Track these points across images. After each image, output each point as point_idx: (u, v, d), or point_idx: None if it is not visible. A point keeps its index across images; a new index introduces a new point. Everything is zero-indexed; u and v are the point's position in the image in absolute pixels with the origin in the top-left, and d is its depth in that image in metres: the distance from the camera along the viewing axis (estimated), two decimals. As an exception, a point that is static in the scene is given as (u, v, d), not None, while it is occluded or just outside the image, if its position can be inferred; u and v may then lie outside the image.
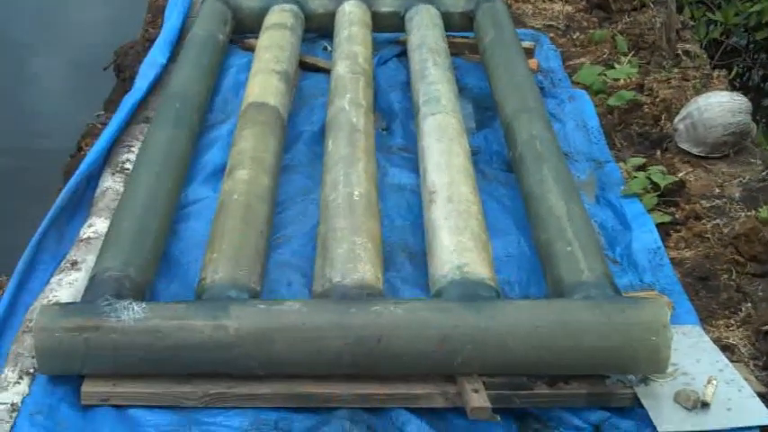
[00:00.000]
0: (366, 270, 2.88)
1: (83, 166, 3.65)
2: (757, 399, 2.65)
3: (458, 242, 3.00)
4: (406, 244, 3.37)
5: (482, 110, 4.42)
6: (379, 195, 3.45)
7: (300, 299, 2.93)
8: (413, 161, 3.83)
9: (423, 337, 2.62)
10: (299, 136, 4.06)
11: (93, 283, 2.85)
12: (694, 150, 4.09)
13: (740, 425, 2.57)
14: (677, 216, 3.67)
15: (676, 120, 4.18)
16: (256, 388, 2.67)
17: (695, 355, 2.83)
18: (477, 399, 2.56)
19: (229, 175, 3.40)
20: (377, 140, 3.83)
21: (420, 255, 3.25)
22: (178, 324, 2.64)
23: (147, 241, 3.06)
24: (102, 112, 4.55)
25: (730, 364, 2.79)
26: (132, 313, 2.65)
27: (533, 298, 3.10)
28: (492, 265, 2.98)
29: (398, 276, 3.20)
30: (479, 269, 2.88)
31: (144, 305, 2.69)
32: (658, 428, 2.55)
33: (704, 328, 3.02)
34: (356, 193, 3.24)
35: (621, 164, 3.99)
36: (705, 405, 2.61)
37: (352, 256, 2.92)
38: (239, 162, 3.44)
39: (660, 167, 3.88)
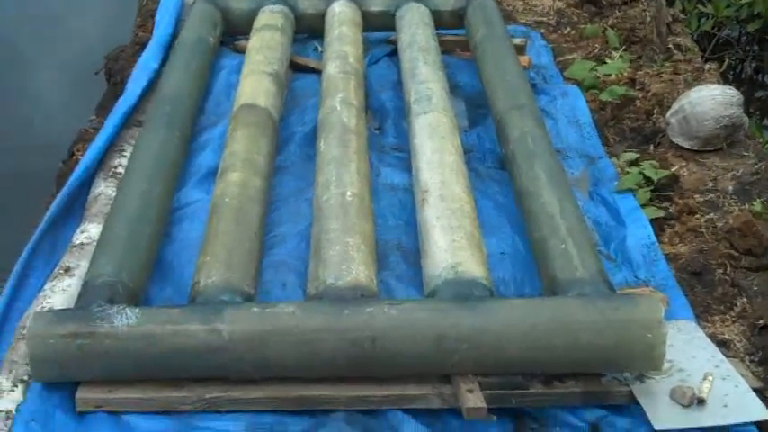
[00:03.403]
0: (360, 271, 2.87)
1: (77, 172, 3.64)
2: (754, 394, 2.63)
3: (451, 241, 2.99)
4: (399, 243, 3.37)
5: (474, 108, 4.42)
6: (373, 195, 3.44)
7: (294, 301, 2.92)
8: (405, 160, 3.83)
9: (417, 338, 2.61)
10: (291, 137, 4.05)
11: (87, 289, 2.84)
12: (687, 144, 4.09)
13: (737, 421, 2.56)
14: (671, 211, 3.66)
15: (668, 114, 4.17)
16: (251, 392, 2.66)
17: (691, 350, 2.82)
18: (473, 399, 2.55)
19: (221, 177, 3.39)
20: (369, 140, 3.82)
21: (414, 253, 3.25)
22: (172, 329, 2.63)
23: (140, 246, 3.05)
24: (94, 117, 4.54)
25: (726, 360, 2.78)
26: (126, 319, 2.64)
27: (527, 296, 3.09)
28: (486, 263, 2.97)
29: (393, 275, 3.19)
30: (473, 268, 2.88)
31: (137, 310, 2.68)
32: (654, 426, 2.55)
33: (699, 324, 3.01)
34: (349, 193, 3.23)
35: (614, 159, 3.99)
36: (701, 401, 2.60)
37: (346, 258, 2.91)
38: (231, 164, 3.43)
39: (653, 162, 3.87)
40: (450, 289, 2.80)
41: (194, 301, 2.84)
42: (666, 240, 3.51)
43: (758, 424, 2.59)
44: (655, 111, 4.37)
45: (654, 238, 3.44)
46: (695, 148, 4.07)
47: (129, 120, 4.08)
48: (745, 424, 2.58)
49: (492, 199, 3.63)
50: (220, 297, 2.80)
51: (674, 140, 4.13)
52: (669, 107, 4.24)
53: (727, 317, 3.12)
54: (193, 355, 2.62)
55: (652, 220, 3.55)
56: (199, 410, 2.65)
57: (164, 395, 2.66)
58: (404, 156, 3.90)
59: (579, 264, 2.88)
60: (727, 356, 2.82)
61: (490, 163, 3.97)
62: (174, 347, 2.61)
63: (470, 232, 3.05)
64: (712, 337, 2.95)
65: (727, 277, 3.28)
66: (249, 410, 2.66)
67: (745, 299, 3.17)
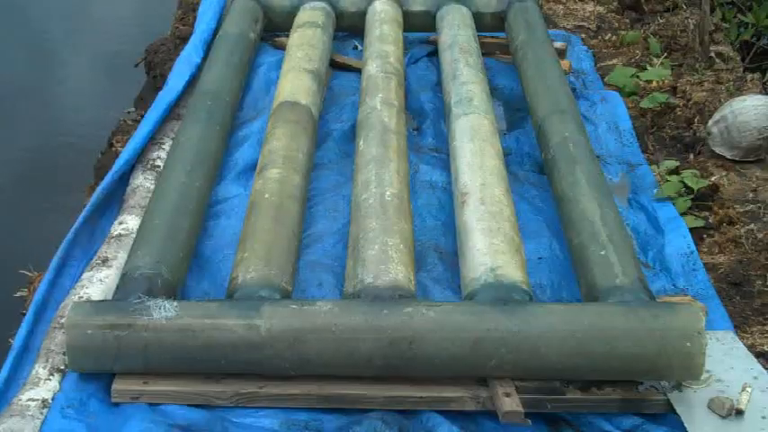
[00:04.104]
0: (398, 271, 2.86)
1: (117, 164, 3.65)
2: (793, 407, 2.61)
3: (490, 244, 2.97)
4: (437, 244, 3.36)
5: (513, 111, 4.41)
6: (411, 194, 3.43)
7: (333, 299, 2.92)
8: (444, 161, 3.82)
9: (455, 341, 2.60)
10: (329, 134, 4.05)
11: (125, 280, 2.85)
12: (728, 154, 4.05)
13: (776, 433, 2.54)
14: (710, 220, 3.64)
15: (710, 123, 4.14)
16: (287, 388, 2.66)
17: (729, 361, 2.80)
18: (510, 403, 2.54)
19: (261, 173, 3.39)
20: (408, 141, 3.81)
21: (451, 255, 3.24)
22: (210, 323, 2.63)
23: (179, 239, 3.06)
24: (133, 109, 4.56)
25: (765, 372, 2.75)
26: (164, 311, 2.65)
27: (566, 302, 3.07)
28: (525, 268, 2.96)
29: (429, 277, 3.19)
30: (512, 272, 2.86)
31: (176, 303, 2.69)
32: (693, 436, 2.53)
33: (738, 335, 2.98)
34: (388, 193, 3.22)
35: (654, 167, 3.96)
36: (739, 413, 2.57)
37: (384, 258, 2.91)
38: (271, 161, 3.43)
39: (693, 171, 3.84)
40: (489, 292, 2.79)
41: (232, 296, 2.84)
42: (706, 250, 3.48)
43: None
44: (695, 119, 4.34)
45: (693, 247, 3.41)
46: (736, 159, 4.04)
47: (170, 113, 4.09)
48: (784, 437, 2.55)
49: (530, 203, 3.61)
50: (258, 293, 2.80)
51: (714, 150, 4.10)
52: (710, 116, 4.21)
53: (767, 328, 3.08)
54: (231, 350, 2.62)
55: (691, 230, 3.51)
56: (234, 405, 2.66)
57: (199, 389, 2.67)
58: (442, 156, 3.90)
59: (620, 271, 2.85)
60: (766, 368, 2.79)
61: (528, 167, 3.95)
62: (212, 342, 2.62)
63: (510, 236, 3.04)
64: (751, 348, 2.92)
65: (766, 288, 3.25)
66: (284, 407, 2.66)
67: (784, 311, 3.14)
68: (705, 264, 3.36)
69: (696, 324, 2.60)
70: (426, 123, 4.23)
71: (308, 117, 3.79)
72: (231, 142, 3.96)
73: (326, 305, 2.69)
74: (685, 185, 3.73)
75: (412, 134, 4.11)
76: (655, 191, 3.75)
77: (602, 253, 2.94)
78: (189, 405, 2.65)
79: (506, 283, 2.81)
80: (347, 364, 2.63)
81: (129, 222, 3.41)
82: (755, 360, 2.82)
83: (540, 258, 3.29)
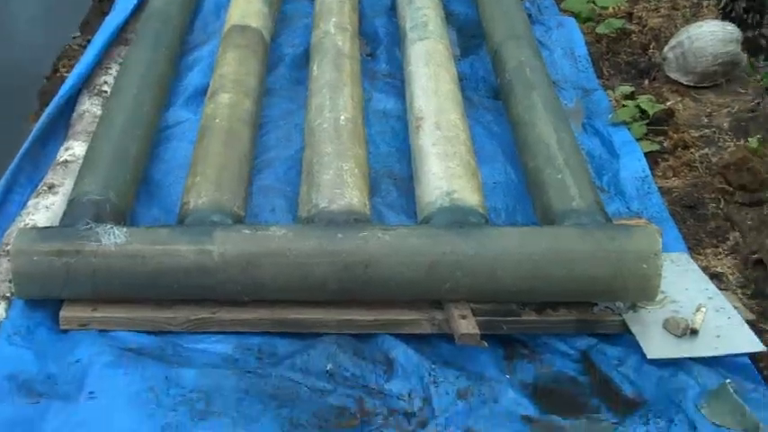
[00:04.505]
0: (353, 196, 2.82)
1: (63, 89, 3.57)
2: (747, 326, 2.61)
3: (446, 168, 2.94)
4: (391, 170, 3.31)
5: (468, 37, 4.33)
6: (364, 121, 3.37)
7: (286, 224, 2.87)
8: (398, 88, 3.77)
9: (411, 264, 2.57)
10: (281, 59, 3.98)
11: (72, 206, 2.78)
12: (683, 80, 4.04)
13: (729, 352, 2.54)
14: (665, 145, 3.63)
15: (666, 48, 4.12)
16: (240, 314, 2.63)
17: (684, 283, 2.80)
18: (466, 325, 2.52)
19: (211, 98, 3.32)
20: (362, 66, 3.74)
21: (406, 181, 3.20)
22: (161, 249, 2.58)
23: (127, 164, 2.99)
24: (79, 34, 4.43)
25: (719, 292, 2.77)
26: (113, 237, 2.59)
27: (523, 225, 3.05)
28: (481, 191, 2.93)
29: (384, 203, 3.15)
30: (468, 196, 2.83)
31: (125, 229, 2.63)
32: (647, 355, 2.53)
33: (692, 257, 2.99)
34: (342, 118, 3.17)
35: (609, 92, 3.93)
36: (694, 332, 2.58)
37: (339, 182, 2.86)
38: (222, 85, 3.36)
39: (649, 96, 3.82)
40: (445, 216, 2.76)
41: (183, 221, 2.78)
42: (660, 174, 3.48)
43: (750, 356, 2.58)
44: (651, 45, 4.32)
45: (648, 171, 3.40)
46: (691, 84, 4.03)
47: (118, 37, 3.99)
48: (738, 355, 2.56)
49: (485, 128, 3.57)
50: (210, 218, 2.75)
51: (670, 75, 4.09)
52: (666, 42, 4.19)
53: (720, 250, 3.10)
54: (182, 276, 2.57)
55: (646, 154, 3.50)
56: (186, 331, 2.61)
57: (150, 315, 2.62)
58: (396, 83, 3.83)
59: (576, 194, 2.83)
60: (720, 289, 2.81)
61: (484, 92, 3.90)
62: (163, 268, 2.56)
63: (466, 160, 3.00)
64: (705, 270, 2.92)
65: (720, 211, 3.27)
66: (237, 332, 2.62)
67: (737, 233, 3.15)
68: (660, 187, 3.35)
69: (653, 246, 2.59)
70: (380, 49, 4.16)
71: (259, 41, 3.71)
72: (181, 67, 3.88)
73: (281, 230, 2.64)
74: (641, 110, 3.71)
75: (366, 60, 4.03)
76: (610, 116, 3.73)
77: (559, 176, 2.92)
78: (140, 332, 2.61)
79: (462, 207, 2.78)
80: (301, 289, 2.60)
81: (75, 148, 3.33)
82: (709, 281, 2.83)
83: (495, 183, 3.25)
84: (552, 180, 2.92)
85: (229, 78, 3.40)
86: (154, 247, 2.59)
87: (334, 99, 3.27)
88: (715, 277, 2.91)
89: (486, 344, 2.52)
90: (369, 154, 3.23)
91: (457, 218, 2.74)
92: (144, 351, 2.54)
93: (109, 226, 2.63)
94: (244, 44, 3.63)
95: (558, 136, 3.11)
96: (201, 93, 3.57)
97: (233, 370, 2.49)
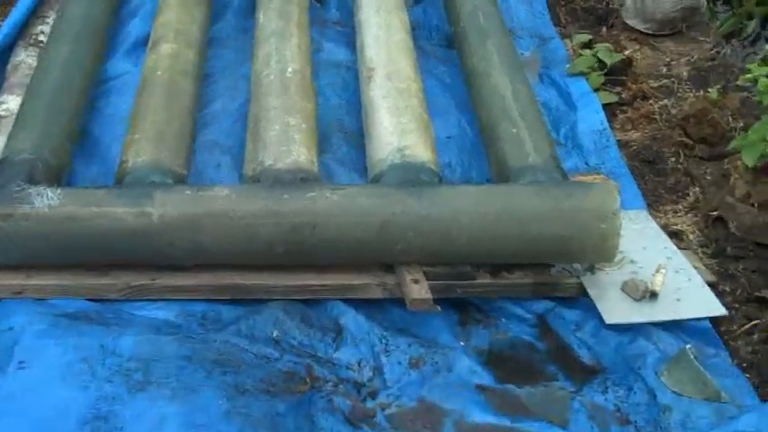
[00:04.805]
0: (300, 153, 2.70)
1: (-4, 40, 3.40)
2: (708, 289, 2.55)
3: (398, 123, 2.82)
4: (342, 124, 3.19)
5: (421, -17, 4.20)
6: (313, 72, 3.24)
7: (230, 184, 2.75)
8: (348, 36, 3.64)
9: (360, 225, 2.46)
10: (227, 6, 3.82)
11: (4, 166, 2.63)
12: (642, 27, 3.96)
13: (690, 316, 2.48)
14: (624, 96, 3.54)
15: (624, -6, 4.02)
16: (182, 279, 2.52)
17: (643, 241, 2.73)
18: (418, 290, 2.43)
19: (152, 48, 3.18)
20: (310, 14, 3.60)
21: (357, 135, 3.09)
22: (97, 211, 2.45)
23: (63, 120, 2.85)
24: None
25: (679, 252, 2.70)
26: (47, 199, 2.45)
27: (476, 183, 2.95)
28: (434, 147, 2.81)
29: (334, 158, 3.03)
30: (421, 152, 2.72)
31: (59, 191, 2.49)
32: (606, 320, 2.45)
33: (651, 214, 2.91)
34: (290, 69, 3.04)
35: (567, 41, 3.83)
36: (654, 295, 2.51)
37: (286, 139, 2.74)
38: (163, 35, 3.21)
39: (607, 45, 3.72)
40: (397, 174, 2.65)
41: (121, 181, 2.64)
42: (618, 126, 3.40)
43: (711, 319, 2.51)
44: (609, -10, 4.21)
45: (606, 124, 3.32)
46: (650, 32, 3.94)
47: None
48: (699, 319, 2.49)
49: (438, 79, 3.46)
50: (150, 178, 2.61)
51: (627, 22, 4.01)
52: (624, -13, 4.09)
53: (680, 207, 3.02)
54: (120, 240, 2.44)
55: (604, 106, 3.42)
56: (125, 298, 2.50)
57: (88, 282, 2.50)
58: (346, 31, 3.71)
59: (531, 149, 2.73)
60: (679, 248, 2.73)
61: (437, 41, 3.80)
62: (99, 231, 2.43)
63: (419, 114, 2.88)
64: (664, 227, 2.86)
65: (680, 166, 3.19)
66: (179, 299, 2.51)
67: (698, 189, 3.07)
68: (618, 140, 3.28)
69: (611, 205, 2.50)
70: (330, -5, 4.01)
71: (203, -13, 3.55)
72: (122, 14, 3.72)
73: (224, 190, 2.52)
74: (598, 60, 3.62)
75: (315, 7, 3.88)
76: (567, 66, 3.63)
77: (514, 131, 2.82)
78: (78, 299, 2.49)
79: (414, 164, 2.67)
80: (246, 253, 2.49)
81: (9, 103, 3.18)
82: (669, 240, 2.76)
83: (448, 137, 3.15)
84: (507, 135, 2.81)
85: (171, 27, 3.26)
86: (90, 209, 2.46)
87: (280, 50, 3.13)
88: (675, 236, 2.84)
89: (439, 308, 2.43)
90: (318, 107, 3.11)
91: (408, 175, 2.63)
92: (80, 318, 2.42)
93: (42, 187, 2.49)
94: (186, -9, 3.47)
95: (514, 87, 3.00)
96: (144, 42, 3.41)
97: (174, 336, 2.38)
